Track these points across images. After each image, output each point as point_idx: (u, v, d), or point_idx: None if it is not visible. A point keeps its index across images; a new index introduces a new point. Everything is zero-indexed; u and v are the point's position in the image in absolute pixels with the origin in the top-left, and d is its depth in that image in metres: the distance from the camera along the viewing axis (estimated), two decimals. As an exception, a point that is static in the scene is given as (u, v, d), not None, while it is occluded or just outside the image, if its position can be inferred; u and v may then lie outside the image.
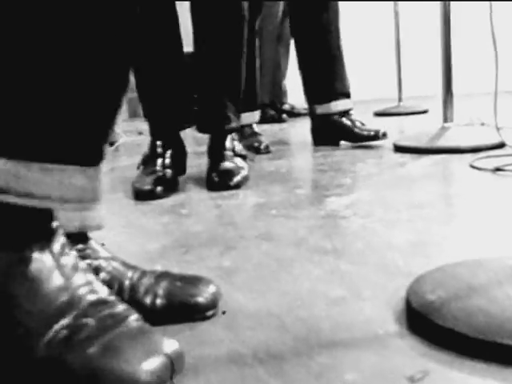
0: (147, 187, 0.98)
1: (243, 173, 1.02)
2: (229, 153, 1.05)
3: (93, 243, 0.51)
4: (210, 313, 0.50)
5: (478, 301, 0.45)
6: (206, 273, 0.59)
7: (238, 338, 0.46)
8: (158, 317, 0.48)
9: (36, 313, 0.37)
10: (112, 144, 1.60)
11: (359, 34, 2.72)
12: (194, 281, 0.51)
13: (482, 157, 1.11)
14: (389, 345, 0.44)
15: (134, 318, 0.39)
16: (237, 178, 1.00)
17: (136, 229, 0.81)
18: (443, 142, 1.26)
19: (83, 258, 0.47)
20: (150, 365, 0.36)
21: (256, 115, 1.39)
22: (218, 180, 1.00)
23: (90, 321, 0.38)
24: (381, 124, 1.85)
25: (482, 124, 1.52)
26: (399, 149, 1.29)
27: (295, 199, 0.92)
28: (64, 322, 0.37)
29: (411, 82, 2.41)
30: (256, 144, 1.36)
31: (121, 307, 0.40)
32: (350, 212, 0.82)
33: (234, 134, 1.09)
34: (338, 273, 0.59)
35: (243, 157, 1.08)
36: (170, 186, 1.01)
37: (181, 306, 0.49)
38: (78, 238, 0.50)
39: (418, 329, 0.45)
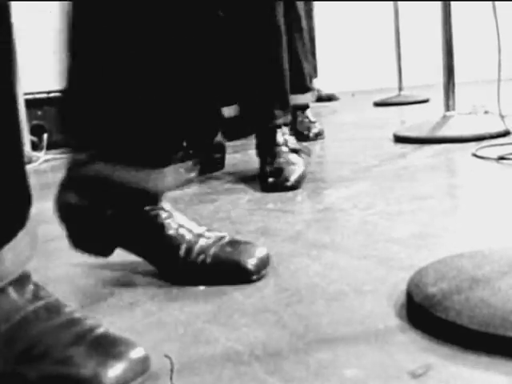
0: None
1: (299, 170, 0.94)
2: (281, 148, 0.97)
3: (164, 205, 0.58)
4: (254, 277, 0.55)
5: (481, 293, 0.44)
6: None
7: (233, 335, 0.45)
8: (208, 275, 0.55)
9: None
10: None
11: (358, 23, 2.68)
12: (245, 246, 0.57)
13: (486, 145, 1.09)
14: (390, 339, 0.42)
15: (97, 329, 0.40)
16: (294, 177, 0.92)
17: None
18: (445, 132, 1.24)
19: (155, 216, 0.56)
20: (113, 370, 0.37)
21: (307, 97, 1.38)
22: (274, 180, 0.92)
23: (49, 337, 0.39)
24: (381, 114, 1.83)
25: (486, 112, 1.50)
26: (400, 139, 1.27)
27: (292, 193, 0.91)
28: (20, 338, 0.39)
29: (412, 71, 2.38)
30: (305, 132, 1.36)
31: (84, 322, 0.41)
32: (350, 205, 0.80)
33: (285, 129, 1.02)
34: (336, 267, 0.58)
35: (297, 151, 1.00)
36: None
37: (229, 268, 0.55)
38: (149, 199, 0.56)
39: (420, 322, 0.44)
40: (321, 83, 2.17)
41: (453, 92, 1.31)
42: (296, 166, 0.95)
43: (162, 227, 0.56)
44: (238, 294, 0.53)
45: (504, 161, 0.97)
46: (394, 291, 0.50)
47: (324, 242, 0.65)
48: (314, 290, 0.52)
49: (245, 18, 0.99)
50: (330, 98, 2.12)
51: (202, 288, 0.55)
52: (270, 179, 0.93)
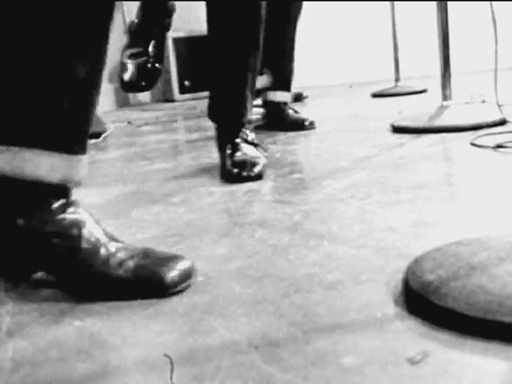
0: (132, 79, 1.03)
1: (262, 162, 0.96)
2: (241, 142, 0.99)
3: (78, 204, 0.56)
4: (175, 290, 0.52)
5: (478, 279, 0.44)
6: (199, 261, 0.58)
7: (232, 325, 0.45)
8: (124, 290, 0.52)
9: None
10: (100, 135, 1.58)
11: (355, 15, 2.67)
12: (168, 258, 0.55)
13: (483, 134, 1.09)
14: (388, 327, 0.42)
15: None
16: (258, 168, 0.94)
17: (125, 219, 0.80)
18: (442, 121, 1.24)
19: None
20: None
21: (290, 95, 1.45)
22: (238, 171, 0.94)
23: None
24: (378, 105, 1.83)
25: (483, 101, 1.50)
26: (397, 129, 1.27)
27: (290, 184, 0.91)
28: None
29: (409, 62, 2.37)
30: (301, 120, 1.42)
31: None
32: (347, 195, 0.80)
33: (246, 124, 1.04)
34: (334, 257, 0.58)
35: (256, 146, 1.02)
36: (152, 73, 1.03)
37: (146, 282, 0.52)
38: (61, 193, 0.54)
39: (418, 310, 0.44)
40: (321, 76, 2.15)
41: (449, 82, 1.30)
42: (257, 159, 0.97)
43: (78, 239, 0.52)
44: (235, 285, 0.53)
45: (501, 149, 0.97)
46: (391, 280, 0.50)
47: (321, 232, 0.65)
48: (312, 280, 0.52)
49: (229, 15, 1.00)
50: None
51: (200, 279, 0.55)
52: (235, 170, 0.94)
